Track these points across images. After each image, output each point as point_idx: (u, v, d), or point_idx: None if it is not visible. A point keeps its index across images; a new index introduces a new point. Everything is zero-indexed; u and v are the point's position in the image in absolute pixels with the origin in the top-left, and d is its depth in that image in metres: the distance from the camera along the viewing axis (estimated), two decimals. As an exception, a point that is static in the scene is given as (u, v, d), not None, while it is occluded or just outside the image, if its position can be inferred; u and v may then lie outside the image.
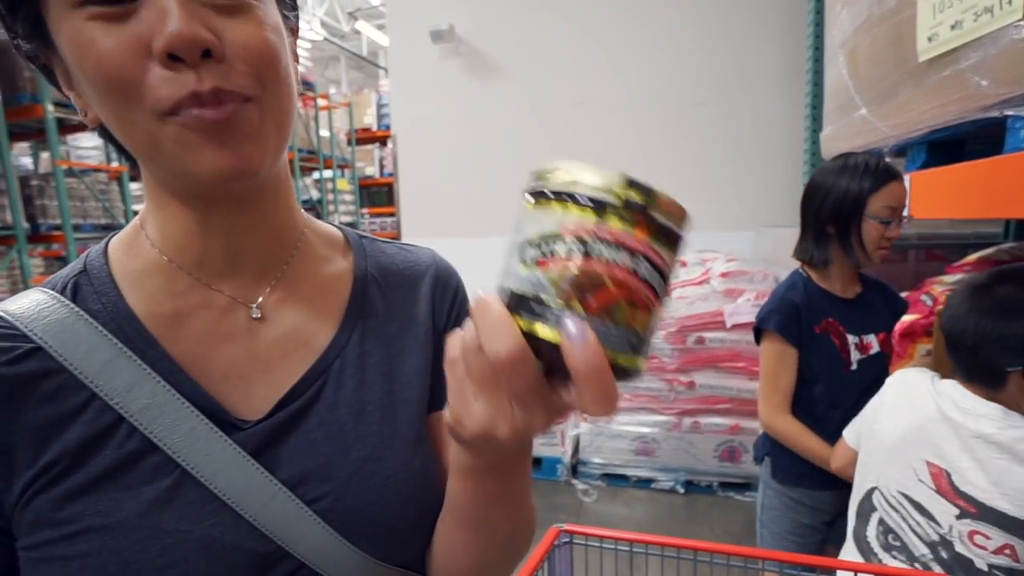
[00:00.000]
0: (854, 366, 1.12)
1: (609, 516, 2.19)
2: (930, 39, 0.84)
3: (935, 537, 0.72)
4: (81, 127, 6.97)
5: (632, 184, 0.24)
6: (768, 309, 1.15)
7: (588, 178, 0.24)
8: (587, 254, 0.23)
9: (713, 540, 0.84)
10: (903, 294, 1.27)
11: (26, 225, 5.43)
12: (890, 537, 0.79)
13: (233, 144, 0.31)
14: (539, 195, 0.25)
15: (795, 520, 1.15)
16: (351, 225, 8.72)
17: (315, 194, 8.34)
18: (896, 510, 0.78)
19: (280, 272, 0.41)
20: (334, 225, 0.48)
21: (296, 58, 0.39)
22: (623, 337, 0.24)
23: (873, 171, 1.05)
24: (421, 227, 3.52)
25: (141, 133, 0.31)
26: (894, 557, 0.78)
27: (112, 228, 6.48)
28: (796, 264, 1.19)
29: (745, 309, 2.19)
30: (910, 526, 0.76)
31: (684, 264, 2.71)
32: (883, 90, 1.15)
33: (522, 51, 3.17)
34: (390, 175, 8.92)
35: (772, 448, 1.17)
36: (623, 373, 0.24)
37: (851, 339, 1.12)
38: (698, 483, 2.33)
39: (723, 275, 2.41)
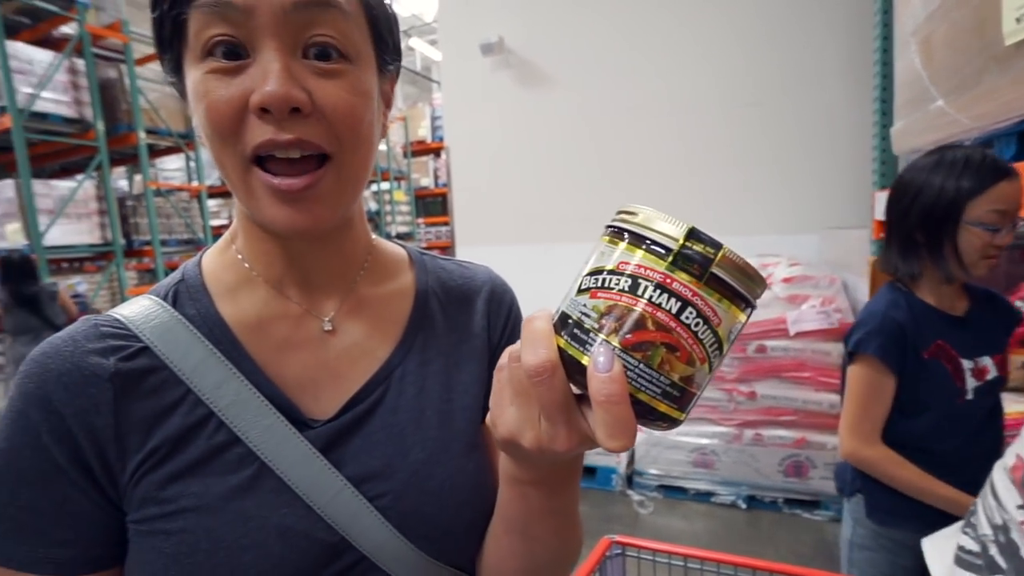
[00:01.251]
0: (969, 395, 0.95)
1: (666, 529, 2.12)
2: (1019, 20, 0.78)
3: (999, 521, 0.69)
4: (167, 151, 7.62)
5: (697, 236, 0.24)
6: (867, 330, 0.98)
7: (660, 224, 0.25)
8: (635, 292, 0.24)
9: (779, 560, 0.80)
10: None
11: (123, 241, 6.01)
12: (969, 515, 0.76)
13: (306, 207, 0.36)
14: (612, 231, 0.27)
15: (895, 563, 1.00)
16: (407, 235, 8.97)
17: (373, 206, 8.69)
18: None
19: (349, 289, 0.45)
20: (398, 243, 0.52)
21: (389, 105, 0.43)
22: (655, 379, 0.24)
23: (976, 168, 0.88)
24: (474, 235, 3.58)
25: (232, 172, 0.36)
26: (965, 533, 0.75)
27: (192, 243, 7.02)
28: (865, 268, 1.09)
29: (810, 316, 2.08)
30: (984, 507, 0.73)
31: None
32: (963, 79, 1.07)
33: (571, 59, 3.18)
34: (444, 185, 9.15)
35: (865, 483, 1.02)
36: (653, 416, 0.25)
37: (965, 364, 0.95)
38: (761, 499, 2.22)
39: (786, 280, 2.30)
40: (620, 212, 0.27)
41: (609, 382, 0.23)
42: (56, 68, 5.18)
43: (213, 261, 0.44)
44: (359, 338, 0.44)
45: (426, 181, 10.04)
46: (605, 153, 3.18)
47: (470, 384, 0.47)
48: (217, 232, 8.92)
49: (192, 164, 6.93)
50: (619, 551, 1.03)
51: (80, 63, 5.36)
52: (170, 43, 0.36)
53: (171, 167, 8.61)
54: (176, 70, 0.37)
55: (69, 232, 5.40)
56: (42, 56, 5.16)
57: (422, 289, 0.48)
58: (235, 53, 0.34)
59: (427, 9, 11.62)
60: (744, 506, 2.20)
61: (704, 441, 2.25)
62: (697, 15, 2.88)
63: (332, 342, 0.43)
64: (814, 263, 2.46)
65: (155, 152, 7.02)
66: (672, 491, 2.34)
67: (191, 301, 0.41)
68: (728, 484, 2.24)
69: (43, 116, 5.12)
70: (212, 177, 8.70)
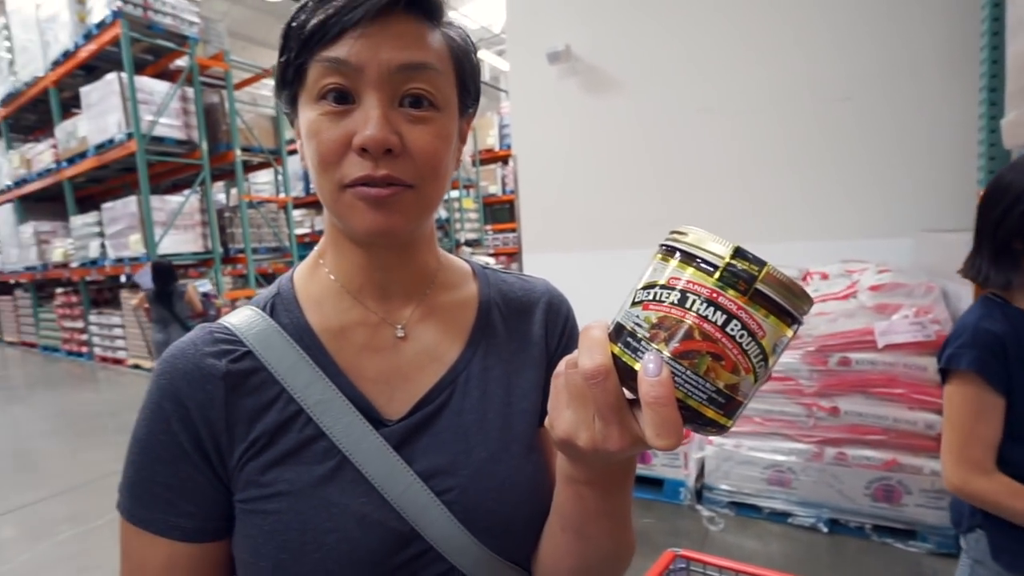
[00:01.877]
0: None
1: (739, 549, 2.03)
2: None
3: None
4: (259, 167, 8.28)
5: (742, 255, 0.26)
6: (959, 343, 0.89)
7: (708, 243, 0.27)
8: (684, 305, 0.26)
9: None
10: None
11: (220, 249, 6.61)
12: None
13: (385, 213, 0.41)
14: (665, 249, 0.29)
15: None
16: (475, 241, 9.14)
17: (443, 213, 8.98)
18: None
19: (420, 299, 0.50)
20: (463, 259, 0.57)
21: (464, 140, 0.49)
22: (701, 386, 0.26)
23: None
24: (540, 242, 3.61)
25: (328, 194, 0.42)
26: None
27: (279, 250, 7.56)
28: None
29: (901, 327, 1.91)
30: None
31: (825, 276, 2.45)
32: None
33: (640, 62, 3.14)
34: (511, 192, 9.28)
35: (988, 519, 0.89)
36: (700, 421, 0.27)
37: None
38: (846, 523, 2.06)
39: (873, 288, 2.14)
40: (672, 232, 0.29)
41: (658, 385, 0.25)
42: (171, 96, 5.82)
43: (303, 276, 0.50)
44: (428, 344, 0.49)
45: (494, 188, 10.23)
46: (674, 157, 3.10)
47: (529, 390, 0.50)
48: (301, 240, 9.59)
49: (280, 177, 7.51)
50: (683, 565, 1.01)
51: (189, 91, 6.00)
52: (290, 83, 0.42)
53: (261, 180, 9.37)
54: (291, 103, 0.44)
55: (178, 241, 6.04)
56: (160, 87, 5.83)
57: (485, 300, 0.53)
58: (344, 98, 0.40)
59: (495, 20, 11.89)
60: (826, 530, 2.06)
61: (780, 458, 2.12)
62: (774, 6, 2.75)
63: (404, 348, 0.48)
64: (908, 269, 2.26)
65: (249, 168, 7.68)
66: (745, 508, 2.23)
67: (285, 312, 0.47)
68: (808, 505, 2.10)
69: (160, 139, 5.77)
70: (297, 189, 9.37)
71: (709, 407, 0.26)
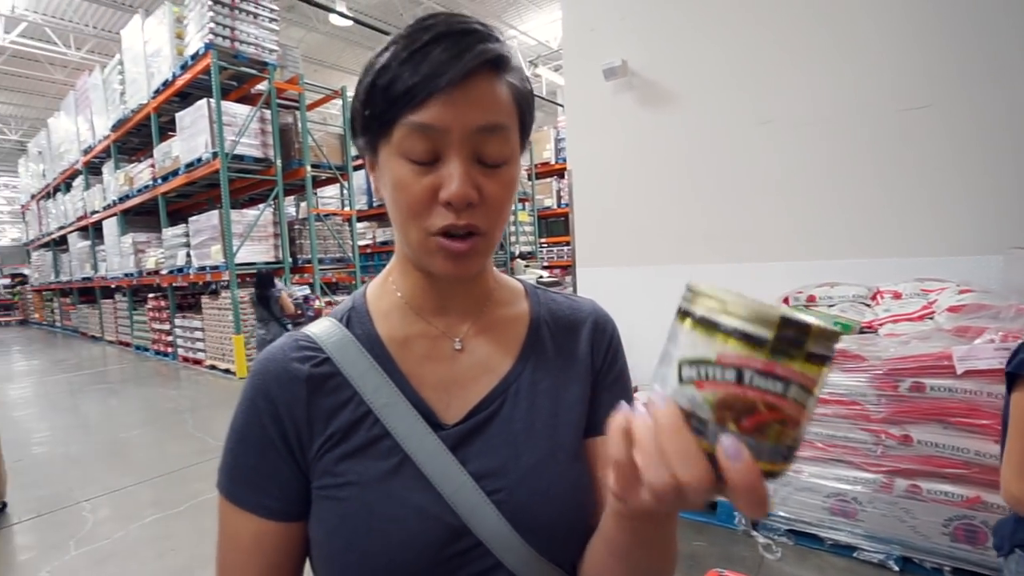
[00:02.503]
0: None
1: (797, 581, 1.93)
2: None
3: None
4: (327, 182, 8.74)
5: (788, 322, 0.25)
6: None
7: (743, 311, 0.26)
8: (741, 382, 0.26)
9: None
10: None
11: (290, 260, 7.04)
12: None
13: (463, 263, 0.46)
14: (702, 321, 0.28)
15: None
16: (530, 254, 9.24)
17: (497, 226, 9.10)
18: None
19: (477, 316, 0.55)
20: (517, 279, 0.62)
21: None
22: (774, 451, 0.27)
23: None
24: (594, 256, 3.61)
25: (415, 240, 0.46)
26: None
27: (343, 260, 7.94)
28: None
29: (985, 353, 1.77)
30: None
31: (897, 295, 2.30)
32: None
33: (697, 76, 3.10)
34: (566, 206, 9.30)
35: None
36: (775, 476, 0.28)
37: None
38: (920, 563, 1.90)
39: (953, 309, 1.99)
40: (700, 295, 0.28)
41: (743, 470, 0.26)
42: (251, 118, 6.32)
43: (375, 292, 0.56)
44: (482, 357, 0.53)
45: (549, 202, 10.30)
46: (733, 171, 3.03)
47: (574, 403, 0.54)
48: (363, 251, 10.04)
49: (345, 192, 7.93)
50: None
51: (267, 112, 6.49)
52: (373, 132, 0.46)
53: (328, 195, 9.92)
54: (372, 148, 0.48)
55: (252, 252, 6.50)
56: (242, 110, 6.34)
57: (535, 317, 0.57)
58: (428, 157, 0.44)
59: (553, 37, 12.05)
60: (897, 568, 1.91)
61: (844, 487, 2.00)
62: (840, 8, 2.65)
63: (461, 359, 0.53)
64: (995, 290, 2.09)
65: (317, 183, 8.17)
66: (804, 538, 2.11)
67: (359, 324, 0.53)
68: (875, 539, 1.96)
69: (240, 157, 6.26)
70: (360, 203, 9.84)
71: (782, 463, 0.27)
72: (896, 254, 2.56)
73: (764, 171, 2.93)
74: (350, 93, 8.63)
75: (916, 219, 2.53)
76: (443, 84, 0.41)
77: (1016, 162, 2.29)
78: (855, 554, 1.99)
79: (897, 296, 2.32)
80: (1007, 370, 0.90)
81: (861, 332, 2.18)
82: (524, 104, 0.48)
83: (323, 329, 0.52)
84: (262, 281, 4.81)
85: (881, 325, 2.17)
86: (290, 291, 5.25)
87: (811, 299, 2.49)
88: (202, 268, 6.57)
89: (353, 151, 9.17)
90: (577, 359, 0.56)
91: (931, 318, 2.08)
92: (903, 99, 2.52)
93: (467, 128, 0.43)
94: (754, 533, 2.17)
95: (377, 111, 0.44)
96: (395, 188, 0.45)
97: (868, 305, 2.41)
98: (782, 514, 2.14)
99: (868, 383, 1.95)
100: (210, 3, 5.85)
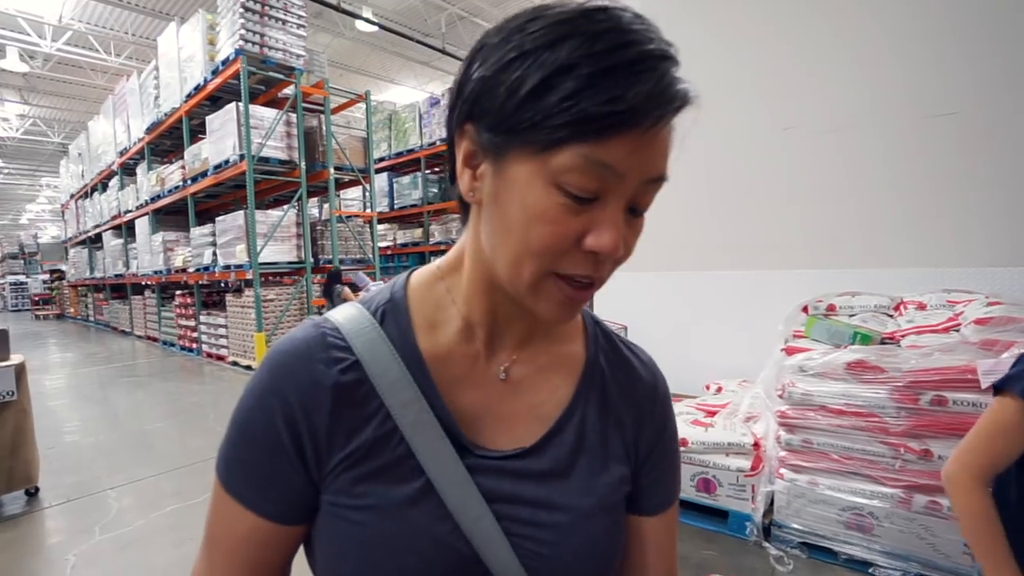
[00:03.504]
0: None
1: (810, 595, 1.88)
2: None
3: None
4: (349, 184, 8.86)
5: None
6: (1020, 368, 0.93)
7: None
8: None
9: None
10: None
11: (312, 260, 7.17)
12: None
13: (572, 310, 0.42)
14: None
15: None
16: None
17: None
18: None
19: (531, 345, 0.50)
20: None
21: None
22: None
23: None
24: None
25: (528, 276, 0.39)
26: None
27: (363, 261, 8.03)
28: None
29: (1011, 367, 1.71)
30: None
31: (922, 306, 2.24)
32: None
33: (716, 82, 3.08)
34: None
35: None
36: None
37: None
38: (940, 582, 1.85)
39: (980, 322, 1.93)
40: None
41: None
42: (278, 121, 6.48)
43: (420, 289, 0.49)
44: (527, 391, 0.49)
45: (567, 206, 10.27)
46: (751, 179, 3.00)
47: (618, 461, 0.50)
48: (383, 252, 10.17)
49: (367, 194, 8.06)
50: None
51: (292, 116, 6.64)
52: (519, 136, 0.36)
53: (350, 197, 10.09)
54: (497, 149, 0.38)
55: (276, 252, 6.64)
56: (269, 113, 6.51)
57: (591, 358, 0.52)
58: (591, 195, 0.36)
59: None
60: (915, 587, 1.86)
61: (861, 500, 1.95)
62: (865, 14, 2.60)
63: (504, 390, 0.48)
64: (1025, 303, 2.02)
65: (340, 185, 8.33)
66: (818, 551, 2.06)
67: (395, 323, 0.47)
68: (893, 556, 1.91)
69: (266, 160, 6.42)
70: (382, 205, 9.99)
71: None
72: (920, 264, 2.50)
73: (784, 178, 2.89)
74: (374, 98, 8.68)
75: (942, 229, 2.46)
76: (645, 126, 0.34)
77: (1049, 171, 2.21)
78: (871, 570, 1.93)
79: (921, 307, 2.26)
80: (996, 382, 0.96)
81: (882, 343, 2.13)
82: None
83: (354, 323, 0.46)
84: (332, 277, 5.65)
85: (903, 336, 2.12)
86: (367, 286, 5.83)
87: (831, 308, 2.44)
88: (227, 266, 6.74)
89: (377, 153, 9.33)
90: (628, 421, 0.51)
91: (957, 330, 2.02)
92: (928, 106, 2.46)
93: (643, 178, 0.37)
94: (766, 544, 2.13)
95: (541, 116, 0.34)
96: (533, 218, 0.37)
97: (890, 315, 2.35)
98: (795, 526, 2.10)
99: (888, 395, 1.90)
100: (241, 10, 6.03)
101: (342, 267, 7.21)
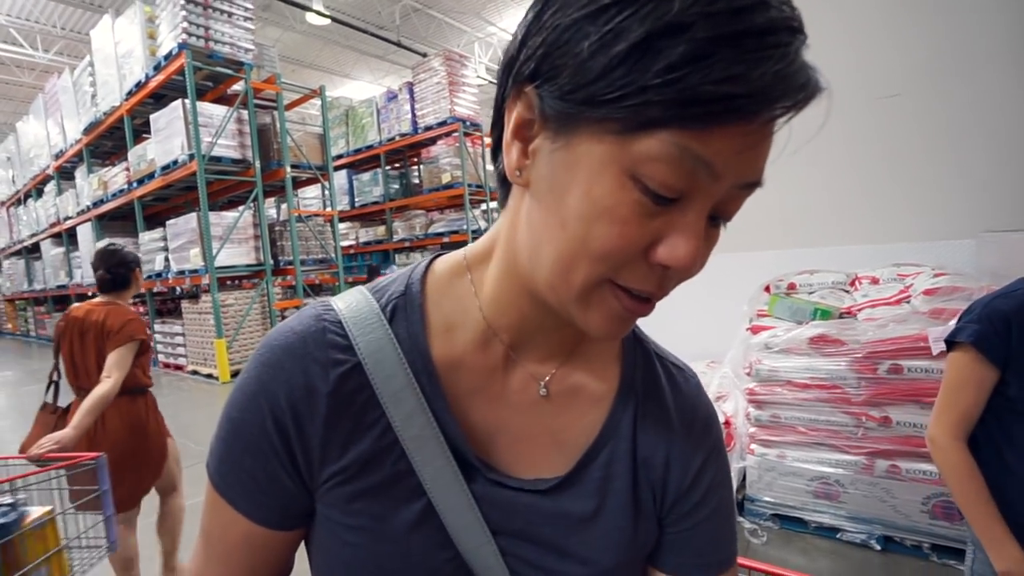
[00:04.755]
0: None
1: (783, 563, 1.94)
2: None
3: None
4: (307, 182, 8.61)
5: None
6: (968, 319, 0.97)
7: None
8: None
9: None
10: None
11: (271, 262, 6.94)
12: None
13: (625, 327, 0.35)
14: None
15: None
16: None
17: (483, 224, 9.10)
18: None
19: (563, 360, 0.44)
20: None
21: None
22: None
23: None
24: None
25: (580, 282, 0.32)
26: None
27: (325, 261, 7.83)
28: None
29: (959, 333, 1.81)
30: None
31: (875, 281, 2.35)
32: None
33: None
34: (548, 202, 9.32)
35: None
36: None
37: None
38: (901, 541, 1.95)
39: (928, 292, 2.03)
40: None
41: None
42: (228, 119, 6.21)
43: (440, 283, 0.43)
44: (549, 413, 0.43)
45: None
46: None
47: (646, 517, 0.43)
48: (346, 252, 9.94)
49: (326, 192, 7.85)
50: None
51: (244, 113, 6.38)
52: (596, 106, 0.28)
53: (308, 196, 9.80)
54: (564, 120, 0.30)
55: (233, 255, 6.38)
56: (218, 111, 6.23)
57: (626, 384, 0.45)
58: (667, 199, 0.29)
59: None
60: (879, 547, 1.95)
61: (827, 470, 2.03)
62: (815, 1, 2.69)
63: (531, 410, 0.42)
64: (969, 273, 2.14)
65: (297, 184, 8.06)
66: (789, 522, 2.14)
67: (406, 321, 0.41)
68: (858, 520, 2.00)
69: (217, 159, 6.15)
70: (342, 203, 9.74)
71: None
72: (873, 240, 2.61)
73: (743, 162, 2.96)
74: (329, 93, 8.45)
75: (891, 206, 2.58)
76: (764, 118, 0.28)
77: (986, 149, 2.35)
78: (838, 535, 2.02)
79: (875, 281, 2.36)
80: (947, 337, 1.01)
81: (841, 317, 2.22)
82: None
83: (360, 317, 0.40)
84: (370, 274, 6.03)
85: (860, 310, 2.21)
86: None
87: (791, 287, 2.53)
88: (181, 272, 6.44)
89: (335, 150, 9.08)
90: (659, 458, 0.44)
91: (908, 302, 2.12)
92: (874, 88, 2.57)
93: (739, 181, 0.30)
94: (740, 518, 2.20)
95: (632, 88, 0.27)
96: (600, 213, 0.30)
97: (847, 291, 2.45)
98: (767, 499, 2.17)
99: (848, 367, 1.99)
100: (182, 2, 5.73)
101: (304, 268, 7.00)
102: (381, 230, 9.73)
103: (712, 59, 0.25)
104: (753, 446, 2.21)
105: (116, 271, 2.01)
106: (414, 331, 0.40)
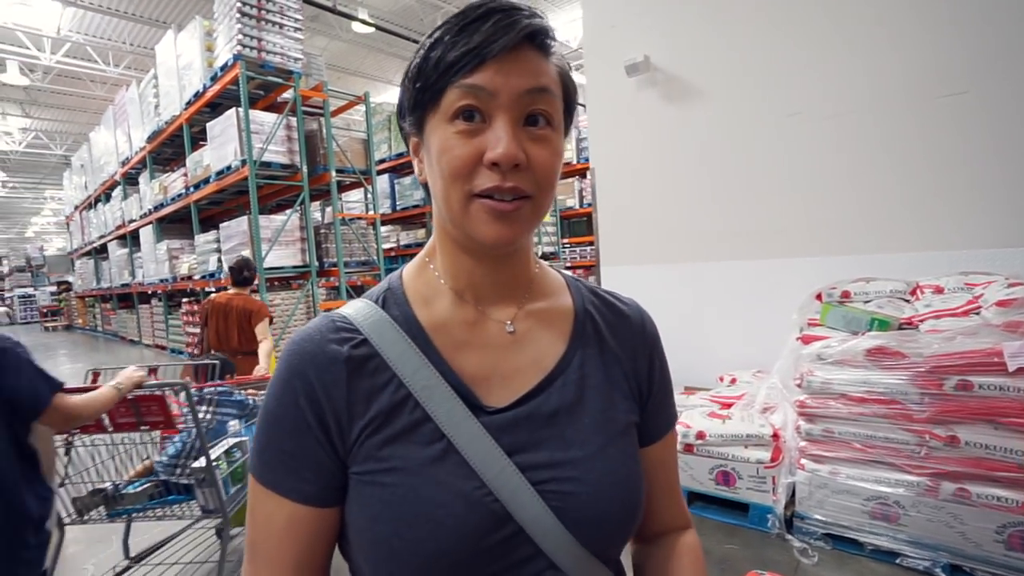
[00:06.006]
0: None
1: (836, 587, 1.85)
2: None
3: None
4: (351, 186, 8.85)
5: None
6: None
7: None
8: None
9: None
10: None
11: (316, 263, 7.16)
12: None
13: (509, 224, 0.45)
14: None
15: None
16: (552, 255, 9.16)
17: (519, 228, 9.10)
18: None
19: (520, 302, 0.54)
20: (558, 271, 0.61)
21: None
22: None
23: None
24: (618, 255, 3.57)
25: (456, 203, 0.46)
26: None
27: (367, 263, 8.01)
28: None
29: (1039, 348, 1.67)
30: None
31: (939, 290, 2.20)
32: None
33: (722, 69, 3.04)
34: (589, 205, 9.23)
35: None
36: None
37: None
38: (971, 572, 1.80)
39: (1003, 303, 1.89)
40: None
41: None
42: (278, 126, 6.46)
43: (411, 275, 0.55)
44: (527, 345, 0.52)
45: (571, 202, 10.23)
46: (759, 166, 2.95)
47: (620, 401, 0.53)
48: (387, 254, 10.16)
49: (369, 196, 8.04)
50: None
51: (293, 120, 6.62)
52: (422, 106, 0.47)
53: (352, 199, 10.07)
54: (418, 126, 0.48)
55: (280, 256, 6.63)
56: (269, 118, 6.49)
57: (580, 311, 0.56)
58: (475, 118, 0.44)
59: (572, 36, 12.00)
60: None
61: (885, 489, 1.91)
62: (866, 1, 2.55)
63: (505, 346, 0.52)
64: (1047, 283, 1.97)
65: (342, 187, 8.30)
66: (842, 542, 2.02)
67: (395, 305, 0.52)
68: (920, 546, 1.87)
69: (267, 164, 6.40)
70: (384, 206, 9.97)
71: None
72: (938, 247, 2.45)
73: (792, 164, 2.84)
74: (373, 99, 8.66)
75: (957, 210, 2.41)
76: (496, 51, 0.43)
77: (1068, 147, 2.16)
78: (898, 560, 1.90)
79: (939, 291, 2.21)
80: None
81: (900, 328, 2.09)
82: (568, 83, 0.49)
83: (358, 310, 0.51)
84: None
85: (922, 321, 2.07)
86: None
87: (845, 295, 2.40)
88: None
89: (378, 155, 9.31)
90: (625, 358, 0.55)
91: (977, 313, 1.98)
92: (938, 86, 2.41)
93: (515, 91, 0.44)
94: (789, 536, 2.10)
95: (429, 81, 0.45)
96: (440, 153, 0.45)
97: (907, 300, 2.31)
98: (818, 517, 2.06)
99: (910, 381, 1.86)
100: (238, 15, 6.01)
101: (347, 270, 7.19)
102: (421, 233, 9.89)
103: (456, 42, 0.44)
104: (803, 461, 2.10)
105: (249, 273, 3.05)
106: (403, 309, 0.51)
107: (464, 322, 0.51)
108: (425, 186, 0.52)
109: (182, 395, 1.78)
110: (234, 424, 2.11)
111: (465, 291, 0.52)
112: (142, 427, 1.74)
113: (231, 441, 2.00)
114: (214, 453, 1.86)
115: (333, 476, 0.47)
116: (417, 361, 0.48)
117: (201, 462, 1.79)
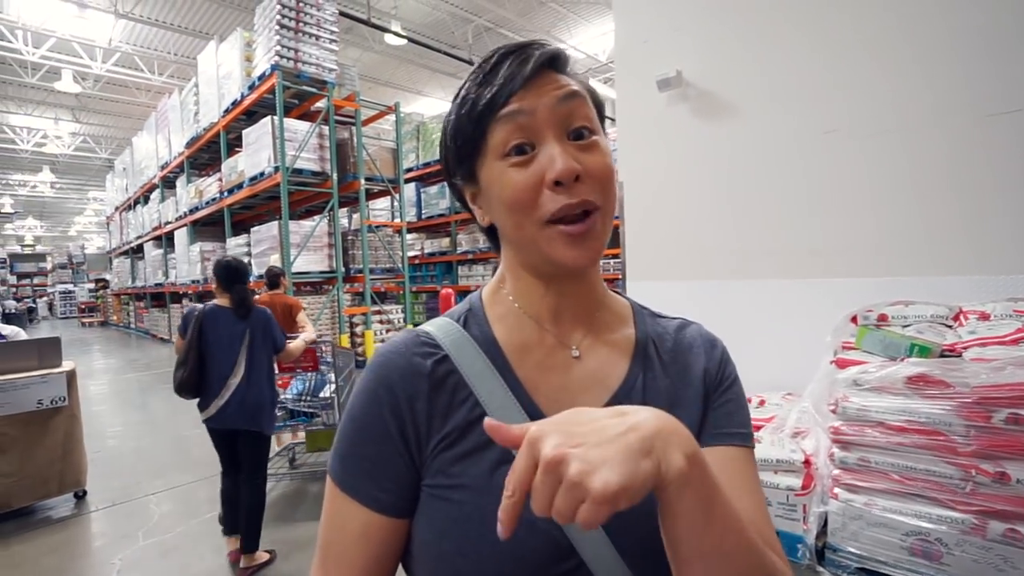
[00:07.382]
0: None
1: (870, 626, 1.76)
2: None
3: None
4: (379, 194, 8.98)
5: None
6: None
7: None
8: None
9: None
10: None
11: (343, 269, 7.28)
12: None
13: (586, 246, 0.46)
14: None
15: None
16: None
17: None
18: None
19: (589, 324, 0.55)
20: (624, 296, 0.62)
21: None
22: None
23: None
24: (644, 270, 3.53)
25: (528, 234, 0.47)
26: None
27: (392, 271, 8.09)
28: None
29: (1097, 383, 1.57)
30: None
31: (985, 316, 2.10)
32: None
33: (757, 85, 2.99)
34: (616, 218, 9.16)
35: None
36: None
37: None
38: (1018, 616, 1.70)
39: (1055, 333, 1.79)
40: None
41: None
42: (311, 134, 6.62)
43: (489, 297, 0.56)
44: (594, 367, 0.53)
45: (594, 214, 10.21)
46: (794, 183, 2.89)
47: (688, 414, 0.52)
48: (412, 262, 10.26)
49: (396, 204, 8.15)
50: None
51: (325, 128, 6.78)
52: (469, 156, 0.49)
53: (379, 207, 10.23)
54: (471, 176, 0.50)
55: (308, 261, 6.75)
56: (302, 126, 6.66)
57: (642, 336, 0.57)
58: (525, 150, 0.46)
59: (602, 49, 12.02)
60: (989, 620, 1.71)
61: (926, 525, 1.81)
62: (912, 10, 2.48)
63: (574, 368, 0.52)
64: (1104, 312, 1.87)
65: (370, 195, 8.44)
66: (879, 580, 1.93)
67: (476, 325, 0.53)
68: (963, 587, 1.77)
69: (299, 171, 6.55)
70: (410, 215, 10.10)
71: None
72: (983, 271, 2.35)
73: (827, 183, 2.77)
74: (403, 108, 8.80)
75: (1003, 233, 2.31)
76: (520, 83, 0.45)
77: None
78: (939, 601, 1.80)
79: (984, 317, 2.12)
80: None
81: (942, 356, 2.00)
82: (591, 89, 0.51)
83: (441, 328, 0.52)
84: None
85: (966, 348, 1.98)
86: None
87: (883, 318, 2.31)
88: (261, 276, 6.89)
89: (405, 164, 9.45)
90: (688, 380, 0.54)
91: (1026, 342, 1.88)
92: (985, 104, 2.32)
93: (551, 103, 0.46)
94: (820, 568, 2.01)
95: (468, 131, 0.48)
96: (502, 188, 0.46)
97: (948, 326, 2.21)
98: (852, 550, 1.97)
99: (954, 412, 1.78)
100: (277, 27, 6.21)
101: (372, 276, 7.28)
102: (446, 242, 9.97)
103: (483, 93, 0.47)
104: (837, 490, 2.02)
105: (279, 278, 3.96)
106: (483, 329, 0.53)
107: (539, 345, 0.52)
108: (488, 231, 0.55)
109: (329, 350, 3.60)
110: (330, 375, 3.51)
111: (538, 314, 0.53)
112: (304, 366, 3.44)
113: (331, 387, 3.42)
114: (327, 392, 3.42)
115: (409, 488, 0.48)
116: (493, 382, 0.49)
117: (325, 393, 3.42)
